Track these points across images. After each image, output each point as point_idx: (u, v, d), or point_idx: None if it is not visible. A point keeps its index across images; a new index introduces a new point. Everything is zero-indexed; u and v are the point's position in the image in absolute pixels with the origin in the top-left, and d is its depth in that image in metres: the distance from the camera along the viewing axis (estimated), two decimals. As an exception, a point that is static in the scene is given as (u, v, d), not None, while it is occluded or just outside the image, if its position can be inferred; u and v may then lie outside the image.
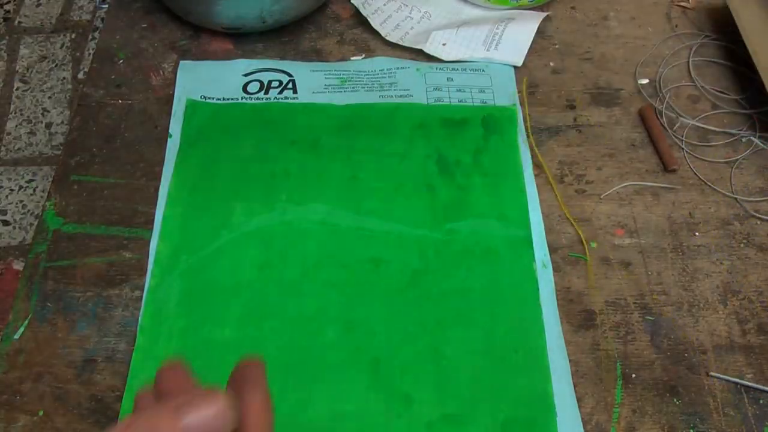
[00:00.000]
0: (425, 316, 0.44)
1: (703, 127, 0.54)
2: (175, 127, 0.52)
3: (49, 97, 1.18)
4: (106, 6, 0.63)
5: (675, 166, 0.51)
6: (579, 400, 0.41)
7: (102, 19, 1.29)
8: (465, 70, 0.57)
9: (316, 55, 0.58)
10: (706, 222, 0.49)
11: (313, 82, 0.55)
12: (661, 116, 0.54)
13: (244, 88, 0.55)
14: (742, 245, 0.48)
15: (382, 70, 0.56)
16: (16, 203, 1.02)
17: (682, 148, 0.53)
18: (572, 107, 0.55)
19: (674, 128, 0.54)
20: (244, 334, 0.43)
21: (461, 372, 0.42)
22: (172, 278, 0.44)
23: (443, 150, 0.51)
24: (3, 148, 1.09)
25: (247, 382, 0.24)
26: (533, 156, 0.52)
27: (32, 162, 1.08)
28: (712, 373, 0.42)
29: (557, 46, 0.59)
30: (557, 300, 0.45)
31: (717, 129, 0.54)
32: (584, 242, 0.48)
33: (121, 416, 0.39)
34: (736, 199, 0.50)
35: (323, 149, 0.51)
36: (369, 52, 0.58)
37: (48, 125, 1.14)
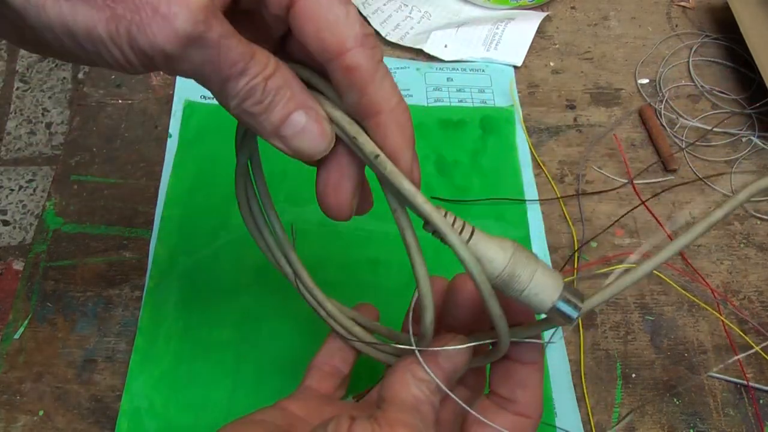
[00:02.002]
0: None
1: (703, 127, 0.54)
2: (175, 127, 0.52)
3: (49, 97, 1.18)
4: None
5: (675, 166, 0.51)
6: (579, 400, 0.41)
7: (102, 19, 1.29)
8: (465, 70, 0.57)
9: (315, 55, 0.58)
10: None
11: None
12: (661, 116, 0.54)
13: (244, 89, 0.54)
14: (742, 245, 0.48)
15: (381, 70, 0.56)
16: (16, 203, 1.02)
17: (682, 148, 0.53)
18: (572, 107, 0.55)
19: (674, 128, 0.54)
20: (243, 335, 0.43)
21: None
22: (170, 280, 0.44)
23: (441, 151, 0.51)
24: (3, 148, 1.09)
25: None
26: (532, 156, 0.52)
27: (32, 162, 1.08)
28: (712, 373, 0.42)
29: (557, 46, 0.59)
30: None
31: (717, 129, 0.54)
32: (581, 242, 0.48)
33: (121, 416, 0.39)
34: (736, 199, 0.50)
35: None
36: (369, 52, 0.58)
37: (48, 125, 1.14)
